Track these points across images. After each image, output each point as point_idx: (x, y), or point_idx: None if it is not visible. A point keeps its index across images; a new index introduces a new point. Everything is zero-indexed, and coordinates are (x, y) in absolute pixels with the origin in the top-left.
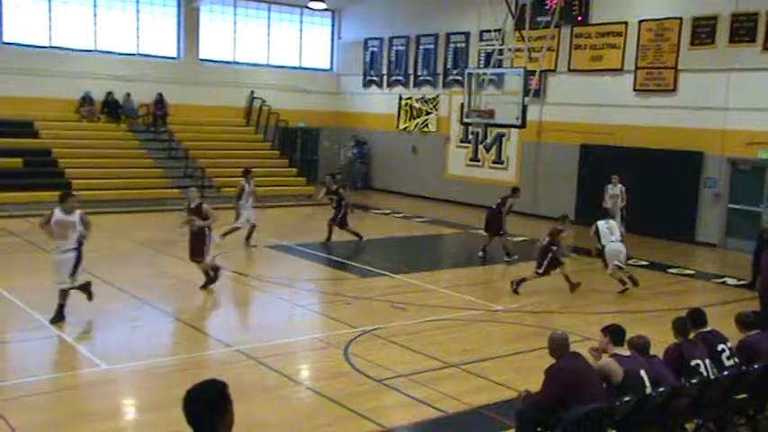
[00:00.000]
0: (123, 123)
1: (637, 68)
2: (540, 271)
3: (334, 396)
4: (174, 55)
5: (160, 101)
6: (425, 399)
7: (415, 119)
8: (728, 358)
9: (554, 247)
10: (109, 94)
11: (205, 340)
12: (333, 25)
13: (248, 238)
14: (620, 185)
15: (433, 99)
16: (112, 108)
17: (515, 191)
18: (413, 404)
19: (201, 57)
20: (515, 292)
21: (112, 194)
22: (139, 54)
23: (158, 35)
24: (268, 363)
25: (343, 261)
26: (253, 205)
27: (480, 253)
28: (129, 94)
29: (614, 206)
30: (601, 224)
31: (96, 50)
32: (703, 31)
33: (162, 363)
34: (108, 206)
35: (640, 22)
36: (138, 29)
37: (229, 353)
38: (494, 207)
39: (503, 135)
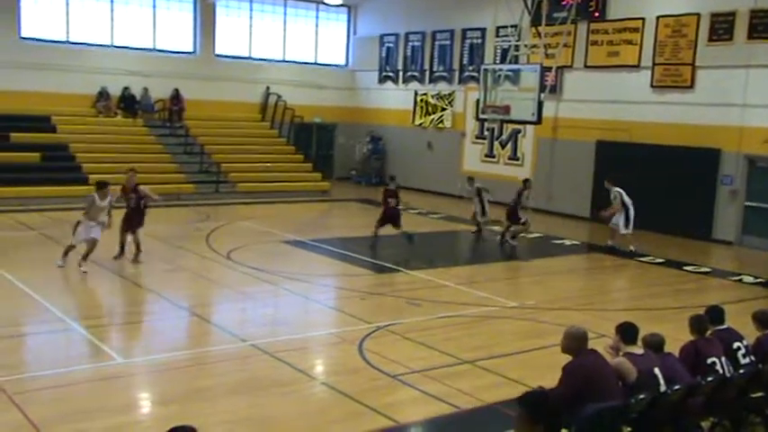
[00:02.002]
0: (140, 118)
1: (654, 65)
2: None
3: (348, 391)
4: (191, 50)
5: (176, 96)
6: (439, 395)
7: (430, 115)
8: (744, 356)
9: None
10: (125, 89)
11: (220, 335)
12: (348, 21)
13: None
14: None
15: (449, 95)
16: (129, 103)
17: (526, 182)
18: (427, 400)
19: (217, 52)
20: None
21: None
22: (156, 49)
23: (175, 31)
24: (283, 357)
25: (358, 257)
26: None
27: (498, 237)
28: (146, 90)
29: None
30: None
31: (113, 46)
32: (721, 27)
33: (177, 357)
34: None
35: (658, 17)
36: (154, 24)
37: (244, 347)
38: (511, 203)
39: (518, 131)
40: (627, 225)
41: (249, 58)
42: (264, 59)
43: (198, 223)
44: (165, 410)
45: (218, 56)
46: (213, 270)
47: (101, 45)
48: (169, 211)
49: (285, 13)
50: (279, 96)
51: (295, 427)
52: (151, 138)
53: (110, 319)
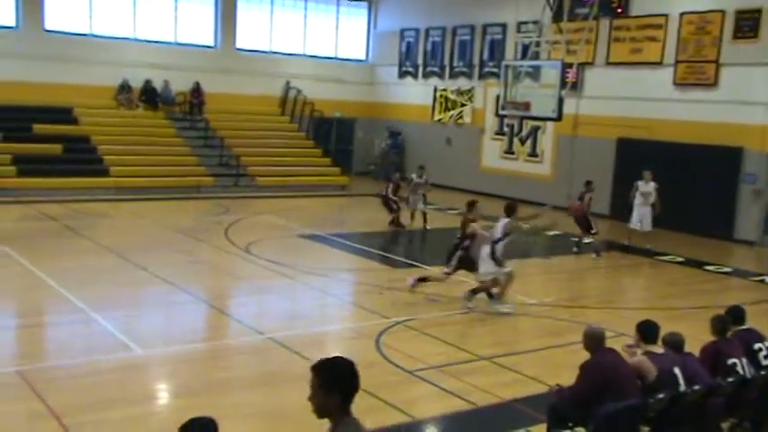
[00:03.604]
0: (161, 111)
1: (677, 62)
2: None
3: (365, 386)
4: (212, 44)
5: (197, 89)
6: (456, 390)
7: (449, 110)
8: (766, 357)
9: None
10: (147, 81)
11: (238, 327)
12: (369, 15)
13: None
14: (652, 183)
15: (469, 91)
16: (150, 96)
17: (589, 184)
18: (443, 396)
19: (238, 46)
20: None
21: (149, 182)
22: (177, 43)
23: (196, 24)
24: (300, 351)
25: (377, 251)
26: None
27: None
28: (166, 82)
29: (645, 204)
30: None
31: (135, 39)
32: (746, 24)
33: (196, 348)
34: (145, 193)
35: (681, 14)
36: (176, 17)
37: (262, 340)
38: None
39: (538, 128)
40: (633, 220)
41: (269, 51)
42: (285, 53)
43: (217, 216)
44: (183, 402)
45: (238, 49)
46: (232, 263)
47: (123, 38)
48: (189, 204)
49: (306, 8)
50: (299, 90)
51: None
52: (172, 130)
53: (130, 311)
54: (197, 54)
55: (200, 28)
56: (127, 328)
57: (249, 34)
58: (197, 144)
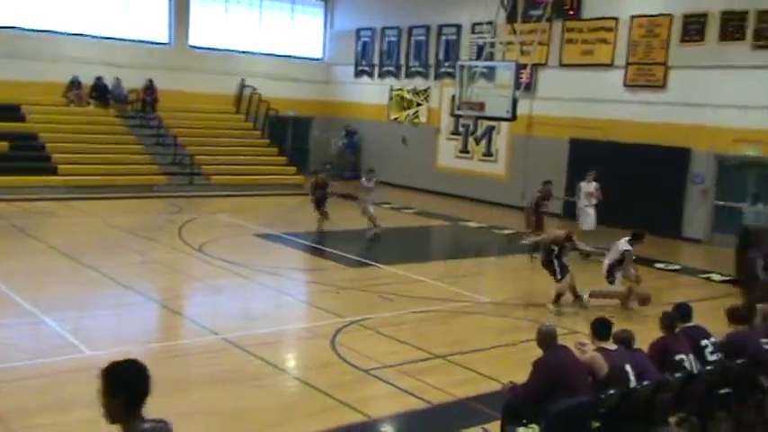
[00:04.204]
0: (112, 108)
1: (627, 64)
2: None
3: (319, 385)
4: (165, 41)
5: (150, 87)
6: (411, 389)
7: (405, 110)
8: (711, 353)
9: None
10: (98, 78)
11: (191, 328)
12: (325, 14)
13: None
14: (594, 183)
15: (424, 90)
16: (101, 93)
17: (543, 183)
18: (398, 394)
19: (192, 43)
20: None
21: (100, 180)
22: (129, 39)
23: (149, 20)
24: (254, 351)
25: (332, 251)
26: None
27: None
28: (118, 80)
29: (588, 204)
30: None
31: (86, 34)
32: (693, 27)
33: (148, 349)
34: (95, 192)
35: (632, 17)
36: (128, 13)
37: (215, 340)
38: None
39: (493, 128)
40: (580, 221)
41: (224, 49)
42: (239, 51)
43: (170, 216)
44: None
45: (192, 47)
46: (185, 263)
47: (73, 34)
48: (141, 203)
49: (261, 5)
50: (254, 89)
51: (266, 420)
52: (123, 128)
53: (79, 312)
54: (150, 51)
55: (152, 24)
56: (77, 329)
57: (203, 31)
58: (150, 142)
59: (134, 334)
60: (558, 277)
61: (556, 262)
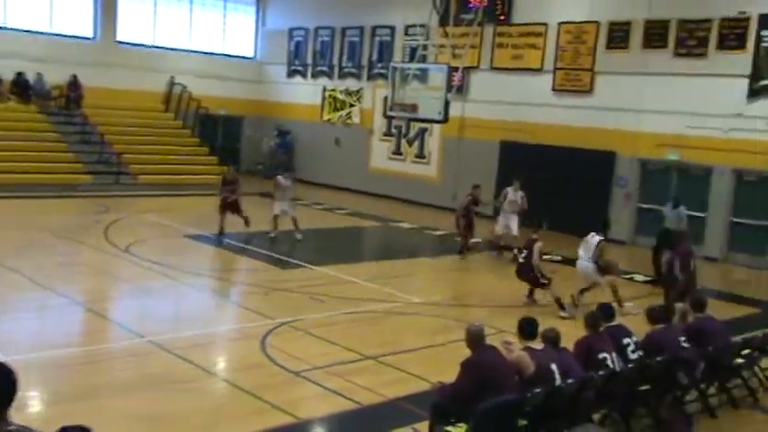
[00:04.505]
0: (34, 105)
1: (555, 69)
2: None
3: (248, 388)
4: (90, 35)
5: (74, 83)
6: (341, 390)
7: (338, 111)
8: (633, 351)
9: None
10: (19, 74)
11: (116, 331)
12: (257, 12)
13: None
14: (520, 192)
15: (357, 91)
16: (22, 88)
17: (475, 187)
18: (328, 396)
19: (119, 39)
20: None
21: (20, 178)
22: (52, 33)
23: (73, 14)
24: (182, 354)
25: (263, 252)
26: None
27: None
28: (40, 75)
29: (512, 212)
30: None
31: (6, 28)
32: (618, 35)
33: (71, 353)
34: (16, 190)
35: (560, 23)
36: (51, 6)
37: (141, 344)
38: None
39: (425, 129)
40: (500, 225)
41: (153, 46)
42: (169, 48)
43: (96, 216)
44: (58, 409)
45: (119, 42)
46: (111, 264)
47: None
48: (65, 202)
49: (191, 2)
50: (184, 86)
51: (193, 424)
52: (46, 125)
53: None
54: (74, 46)
55: (77, 18)
56: None
57: (131, 27)
58: (74, 140)
59: (55, 338)
60: (544, 282)
61: (535, 268)
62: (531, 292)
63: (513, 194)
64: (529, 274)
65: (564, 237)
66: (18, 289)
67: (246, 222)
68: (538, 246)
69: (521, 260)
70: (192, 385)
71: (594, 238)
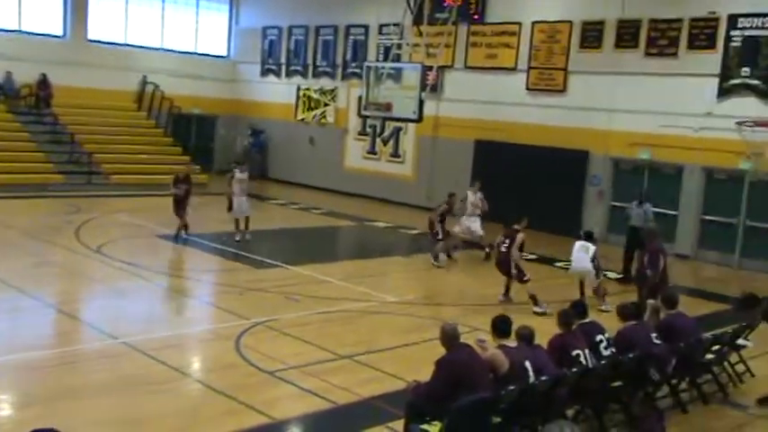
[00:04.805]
0: (3, 104)
1: (529, 68)
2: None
3: (223, 388)
4: (60, 34)
5: (44, 81)
6: (316, 390)
7: (312, 110)
8: (606, 348)
9: None
10: None
11: (89, 332)
12: (231, 11)
13: None
14: (479, 193)
15: (332, 91)
16: None
17: (450, 196)
18: (304, 395)
19: (90, 37)
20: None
21: None
22: (21, 31)
23: (43, 11)
24: (156, 355)
25: (237, 252)
26: None
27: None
28: (9, 73)
29: (474, 213)
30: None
31: None
32: (591, 34)
33: (42, 356)
34: None
35: (533, 23)
36: (20, 4)
37: (115, 345)
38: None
39: (400, 129)
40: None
41: (124, 44)
42: (141, 47)
43: (67, 216)
44: (27, 412)
45: (90, 41)
46: (83, 265)
47: None
48: (35, 203)
49: (164, 0)
50: (156, 85)
51: (168, 425)
52: (15, 125)
53: None
54: (44, 44)
55: (47, 16)
56: None
57: (102, 25)
58: (44, 139)
59: (28, 340)
60: (525, 278)
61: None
62: (507, 291)
63: (473, 196)
64: (509, 266)
65: (538, 235)
66: None
67: (185, 228)
68: (520, 236)
69: (502, 249)
70: (166, 386)
71: (591, 246)
